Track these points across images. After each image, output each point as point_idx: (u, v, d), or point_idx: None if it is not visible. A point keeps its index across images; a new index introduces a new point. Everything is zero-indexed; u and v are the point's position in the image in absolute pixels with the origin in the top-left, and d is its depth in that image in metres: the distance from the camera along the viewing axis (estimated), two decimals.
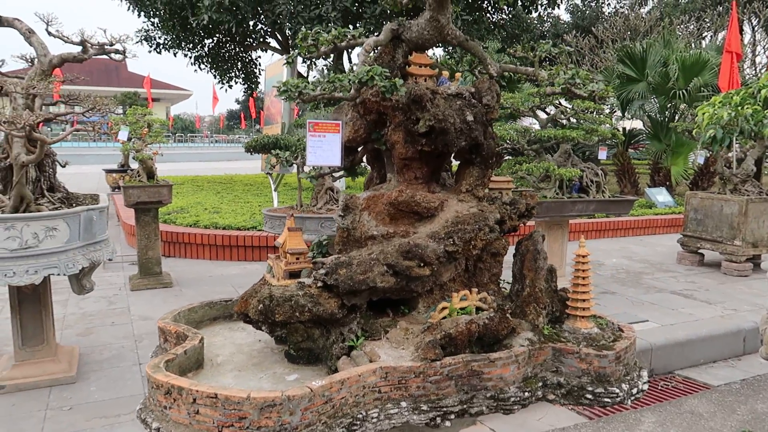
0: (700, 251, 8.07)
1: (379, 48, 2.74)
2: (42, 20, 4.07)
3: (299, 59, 3.55)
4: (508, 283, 3.01)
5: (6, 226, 3.46)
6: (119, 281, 6.87)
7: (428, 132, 2.59)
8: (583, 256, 2.68)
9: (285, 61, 2.93)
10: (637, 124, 17.44)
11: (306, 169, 5.36)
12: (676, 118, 13.29)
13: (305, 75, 14.82)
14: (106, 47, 4.35)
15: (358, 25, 12.28)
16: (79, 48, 4.24)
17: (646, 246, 9.64)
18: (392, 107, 2.60)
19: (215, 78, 16.88)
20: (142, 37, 15.32)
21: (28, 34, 4.06)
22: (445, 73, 2.91)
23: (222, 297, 3.30)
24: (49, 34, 4.14)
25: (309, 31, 2.65)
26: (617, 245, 9.65)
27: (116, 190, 12.93)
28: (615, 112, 16.58)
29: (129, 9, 14.34)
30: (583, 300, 2.72)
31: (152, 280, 6.58)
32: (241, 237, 7.91)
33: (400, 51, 2.75)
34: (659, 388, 4.68)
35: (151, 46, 15.46)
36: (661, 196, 12.43)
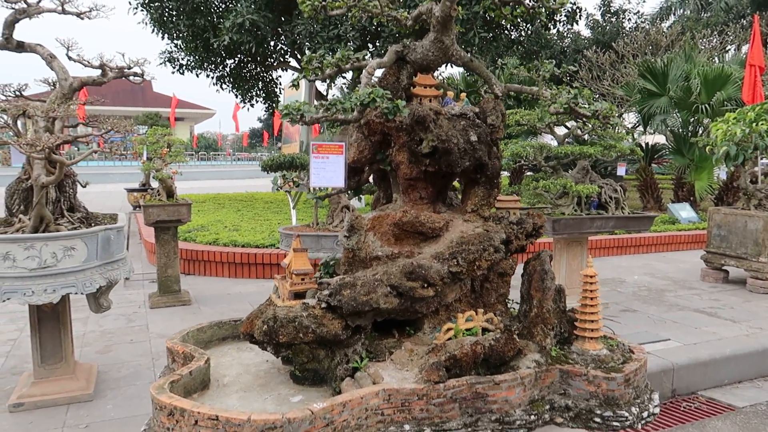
0: (724, 268, 7.88)
1: (383, 69, 2.76)
2: (63, 45, 4.21)
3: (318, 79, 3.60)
4: (516, 303, 2.97)
5: (25, 246, 3.54)
6: (139, 299, 6.97)
7: (432, 152, 2.58)
8: (591, 276, 2.63)
9: (291, 83, 2.97)
10: (660, 139, 17.18)
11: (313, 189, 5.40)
12: (699, 132, 13.09)
13: (324, 94, 14.97)
14: (125, 70, 4.48)
15: (377, 43, 12.37)
16: (99, 71, 4.38)
17: (669, 263, 9.45)
18: (396, 128, 2.60)
19: (237, 97, 17.14)
20: (166, 59, 15.69)
21: (50, 59, 4.20)
22: (450, 94, 2.92)
23: (236, 316, 3.31)
24: (70, 58, 4.28)
25: (314, 54, 2.68)
26: (640, 262, 9.49)
27: (138, 208, 13.17)
28: (637, 127, 16.37)
29: (153, 31, 14.72)
30: (592, 321, 2.66)
31: (171, 298, 6.67)
32: (260, 255, 7.97)
33: (405, 72, 2.77)
34: (681, 409, 4.56)
35: (174, 67, 15.81)
36: (684, 211, 12.20)
